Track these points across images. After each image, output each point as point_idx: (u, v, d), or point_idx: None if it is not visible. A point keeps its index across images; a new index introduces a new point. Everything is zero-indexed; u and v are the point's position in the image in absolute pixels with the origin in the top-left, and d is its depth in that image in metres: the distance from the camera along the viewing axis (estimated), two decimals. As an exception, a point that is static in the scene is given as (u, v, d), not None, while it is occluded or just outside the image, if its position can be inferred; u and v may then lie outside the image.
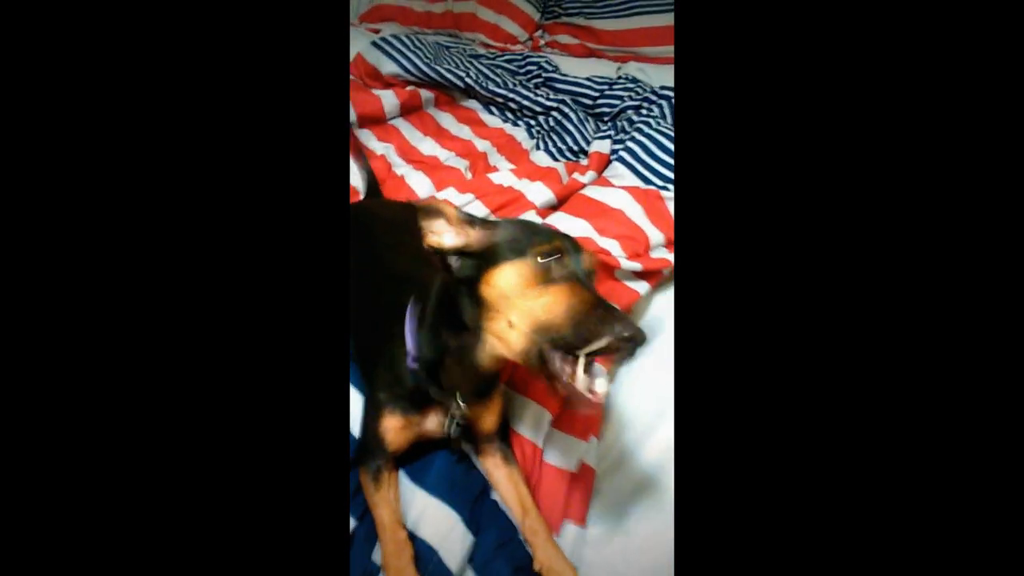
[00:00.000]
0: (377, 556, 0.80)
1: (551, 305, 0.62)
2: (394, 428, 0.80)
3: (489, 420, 0.86)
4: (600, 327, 0.58)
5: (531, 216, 1.28)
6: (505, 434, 0.89)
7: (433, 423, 0.82)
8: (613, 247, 1.12)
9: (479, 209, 1.32)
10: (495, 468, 0.87)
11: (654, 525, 0.85)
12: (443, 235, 0.69)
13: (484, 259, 0.67)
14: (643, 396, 1.00)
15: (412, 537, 0.81)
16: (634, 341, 0.57)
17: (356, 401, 0.91)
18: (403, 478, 0.87)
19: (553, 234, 0.68)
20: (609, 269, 1.08)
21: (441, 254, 0.69)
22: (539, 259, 0.64)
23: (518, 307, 0.63)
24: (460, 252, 0.69)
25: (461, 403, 0.78)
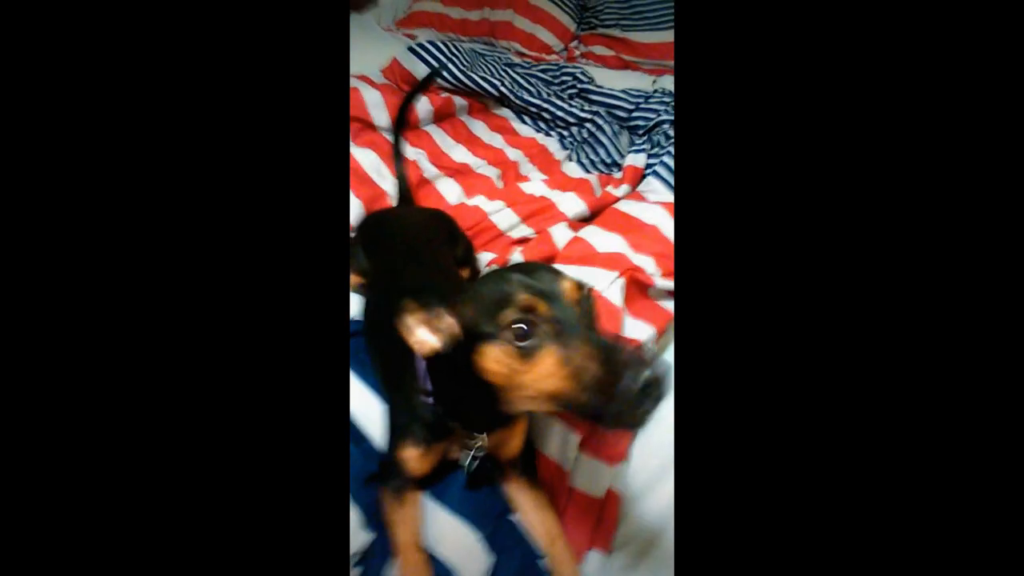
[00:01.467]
0: (391, 572, 0.77)
1: (550, 373, 0.54)
2: (415, 456, 0.77)
3: (512, 445, 0.82)
4: (613, 382, 0.50)
5: (561, 228, 1.25)
6: (530, 458, 0.86)
7: (455, 451, 0.79)
8: (648, 264, 1.08)
9: (509, 217, 1.29)
10: (519, 493, 0.83)
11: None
12: (418, 333, 0.62)
13: (464, 347, 0.59)
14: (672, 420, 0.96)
15: (431, 556, 0.78)
16: (656, 384, 0.50)
17: (378, 417, 0.89)
18: (424, 497, 0.84)
19: (520, 286, 0.56)
20: (643, 287, 1.05)
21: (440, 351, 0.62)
22: (510, 335, 0.55)
23: (526, 383, 0.57)
24: (453, 342, 0.61)
25: (484, 437, 0.75)
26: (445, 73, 1.71)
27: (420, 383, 0.74)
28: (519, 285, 0.56)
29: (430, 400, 0.73)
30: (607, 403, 0.50)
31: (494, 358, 0.57)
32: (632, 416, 0.51)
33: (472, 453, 0.76)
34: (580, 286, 0.59)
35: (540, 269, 0.60)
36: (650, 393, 0.50)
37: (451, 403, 0.72)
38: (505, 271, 0.60)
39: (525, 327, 0.55)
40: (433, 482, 0.85)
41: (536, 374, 0.55)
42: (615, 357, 0.51)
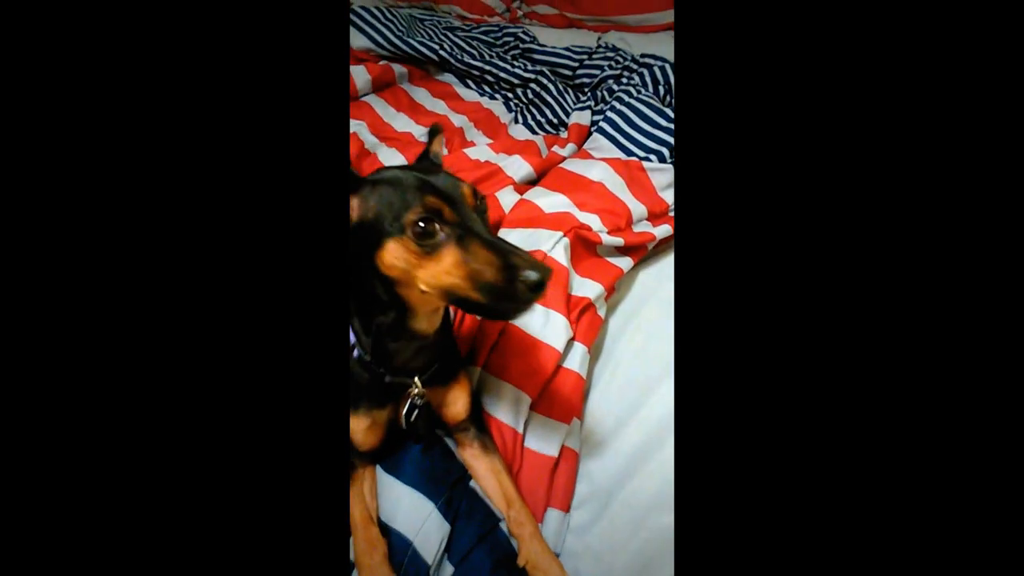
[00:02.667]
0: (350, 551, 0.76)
1: (447, 271, 0.59)
2: (361, 429, 0.76)
3: (457, 405, 0.81)
4: (504, 286, 0.56)
5: (508, 193, 1.22)
6: (481, 422, 0.85)
7: (398, 414, 0.78)
8: (594, 221, 1.07)
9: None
10: (474, 459, 0.82)
11: (638, 510, 0.82)
12: None
13: (367, 239, 0.62)
14: (627, 375, 0.96)
15: (387, 530, 0.77)
16: (541, 286, 0.55)
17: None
18: (379, 471, 0.83)
19: (424, 186, 0.61)
20: (591, 245, 1.03)
21: None
22: (413, 233, 0.59)
23: (420, 277, 0.61)
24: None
25: (417, 383, 0.74)
26: (381, 39, 1.64)
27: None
28: (424, 187, 0.60)
29: (358, 353, 0.73)
30: (498, 302, 0.57)
31: (395, 254, 0.60)
32: (513, 313, 0.58)
33: (410, 402, 0.75)
34: (475, 192, 0.64)
35: (441, 172, 0.65)
36: (534, 294, 0.55)
37: (374, 345, 0.71)
38: (406, 168, 0.65)
39: (427, 227, 0.59)
40: (387, 455, 0.84)
41: (434, 270, 0.60)
42: (509, 261, 0.56)
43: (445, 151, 0.77)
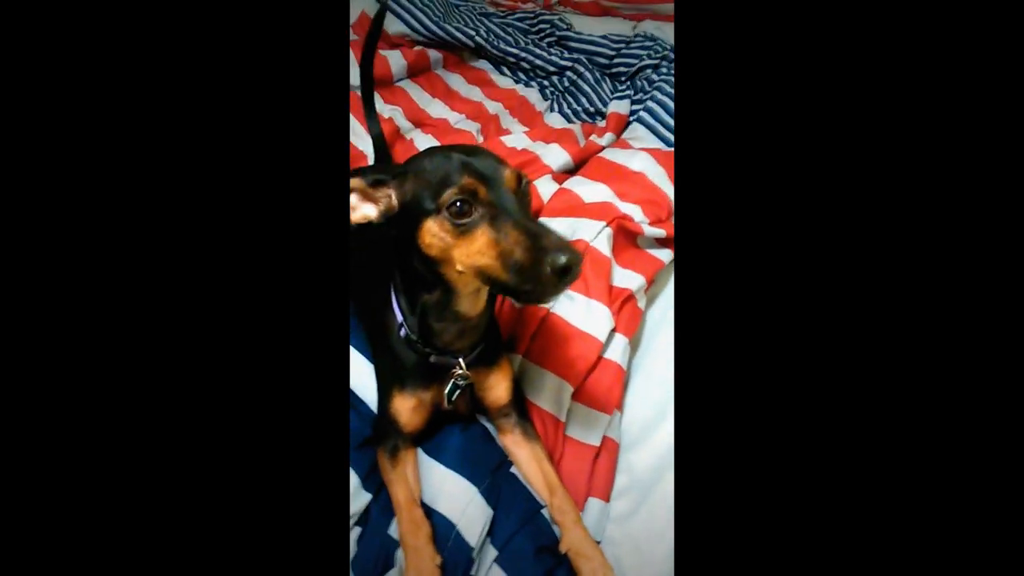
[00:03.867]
0: (393, 530, 0.77)
1: (480, 251, 0.60)
2: (407, 409, 0.77)
3: (499, 390, 0.82)
4: (532, 267, 0.55)
5: (546, 181, 1.22)
6: (522, 409, 0.85)
7: (442, 396, 0.78)
8: (635, 212, 1.06)
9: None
10: (515, 446, 0.83)
11: (680, 500, 0.82)
12: (360, 210, 0.65)
13: (407, 221, 0.63)
14: (666, 368, 0.95)
15: (430, 512, 0.78)
16: (571, 270, 0.55)
17: (372, 380, 0.88)
18: (421, 454, 0.84)
19: (463, 167, 0.61)
20: (631, 236, 1.03)
21: (376, 226, 0.66)
22: (449, 213, 0.60)
23: (455, 256, 0.62)
24: (388, 217, 0.65)
25: (462, 363, 0.75)
26: (417, 24, 1.64)
27: (395, 322, 0.75)
28: (463, 167, 0.61)
29: (403, 333, 0.74)
30: (524, 283, 0.57)
31: (433, 232, 0.61)
32: (542, 297, 0.58)
33: (453, 382, 0.76)
34: (519, 176, 0.63)
35: (482, 152, 0.64)
36: (563, 278, 0.55)
37: (419, 324, 0.73)
38: (449, 150, 0.65)
39: (463, 206, 0.59)
40: (428, 438, 0.85)
41: (468, 250, 0.60)
42: (539, 243, 0.55)
43: None
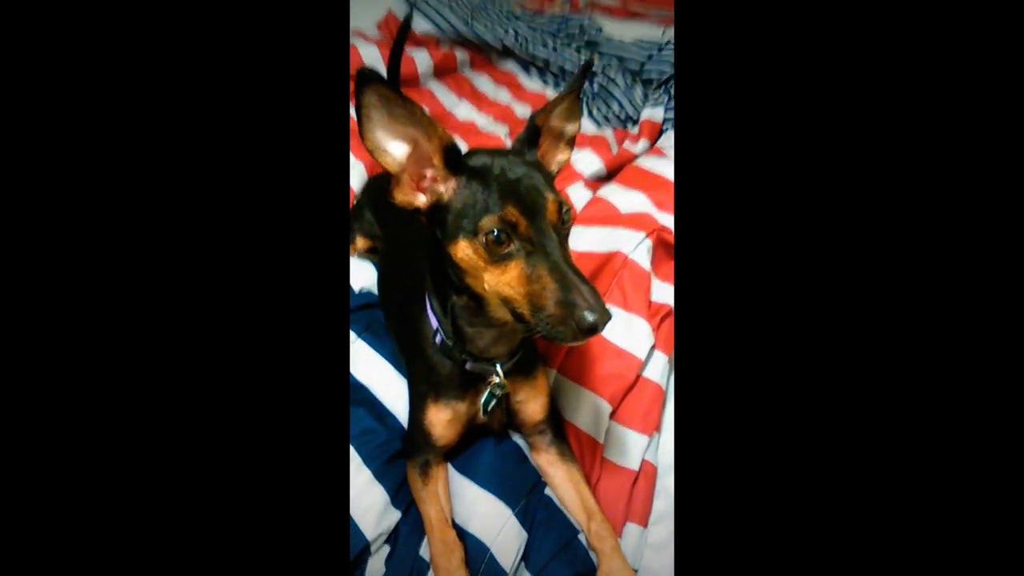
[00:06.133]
0: (424, 551, 0.74)
1: (509, 283, 0.58)
2: (441, 421, 0.74)
3: (535, 404, 0.79)
4: (559, 319, 0.54)
5: (578, 188, 1.19)
6: (558, 427, 0.82)
7: (477, 408, 0.75)
8: (673, 223, 1.02)
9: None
10: (550, 466, 0.80)
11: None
12: (410, 193, 0.62)
13: (445, 227, 0.61)
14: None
15: (462, 533, 0.75)
16: (596, 330, 0.54)
17: (402, 391, 0.85)
18: (452, 471, 0.81)
19: (508, 193, 0.58)
20: (671, 247, 0.99)
21: (417, 211, 0.63)
22: (485, 240, 0.57)
23: (485, 279, 0.60)
24: (431, 210, 0.62)
25: (499, 370, 0.72)
26: (445, 24, 1.61)
27: (430, 329, 0.73)
28: (507, 194, 0.58)
29: (439, 339, 0.71)
30: (548, 327, 0.56)
31: (466, 251, 0.60)
32: (560, 342, 0.57)
33: (490, 391, 0.73)
34: (561, 204, 0.60)
35: (527, 173, 0.60)
36: (587, 335, 0.54)
37: (453, 329, 0.70)
38: (495, 160, 0.61)
39: (500, 236, 0.57)
40: (460, 454, 0.82)
41: (498, 278, 0.59)
42: (570, 298, 0.54)
43: (575, 127, 0.72)
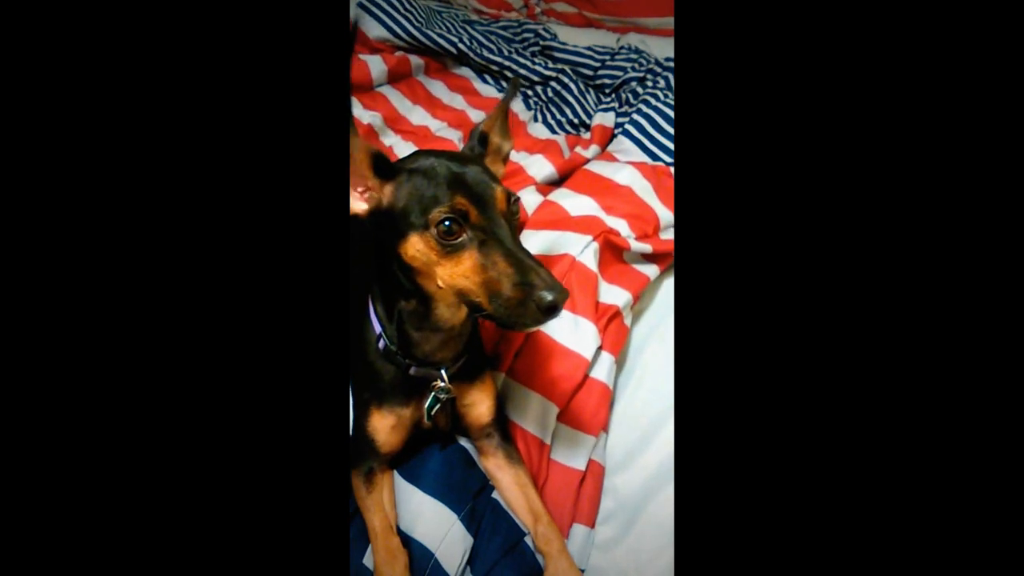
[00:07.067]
0: (368, 559, 0.73)
1: (464, 274, 0.58)
2: (385, 428, 0.73)
3: (481, 407, 0.78)
4: (517, 302, 0.55)
5: (530, 193, 1.19)
6: (505, 430, 0.82)
7: (422, 413, 0.75)
8: (622, 227, 1.04)
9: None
10: (498, 470, 0.79)
11: (665, 526, 0.79)
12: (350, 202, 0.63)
13: (393, 227, 0.61)
14: (652, 387, 0.93)
15: (407, 540, 0.74)
16: (556, 308, 0.54)
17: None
18: (397, 478, 0.80)
19: (455, 184, 0.59)
20: (618, 251, 1.01)
21: (359, 221, 0.63)
22: (437, 232, 0.58)
23: (438, 274, 0.60)
24: (373, 216, 0.63)
25: (443, 375, 0.71)
26: (399, 29, 1.60)
27: (373, 334, 0.72)
28: (455, 184, 0.59)
29: (383, 344, 0.71)
30: (506, 314, 0.56)
31: (417, 247, 0.59)
32: (520, 328, 0.60)
33: (434, 395, 0.73)
34: (509, 195, 0.61)
35: (473, 165, 0.62)
36: (548, 315, 0.55)
37: (397, 334, 0.69)
38: (440, 157, 0.62)
39: (451, 226, 0.57)
40: (405, 460, 0.80)
41: (452, 270, 0.59)
42: (527, 279, 0.54)
43: (509, 145, 0.74)
